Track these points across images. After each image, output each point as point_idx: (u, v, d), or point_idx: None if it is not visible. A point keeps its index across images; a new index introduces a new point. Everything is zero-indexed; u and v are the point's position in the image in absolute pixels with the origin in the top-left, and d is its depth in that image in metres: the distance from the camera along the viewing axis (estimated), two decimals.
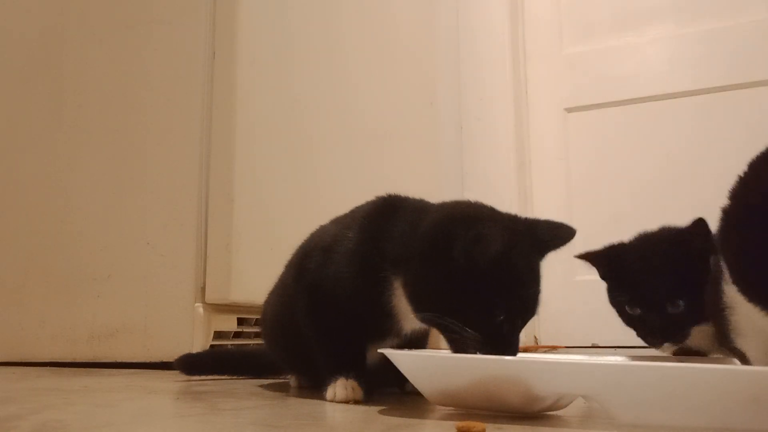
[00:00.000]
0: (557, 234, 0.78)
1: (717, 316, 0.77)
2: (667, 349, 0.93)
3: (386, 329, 0.82)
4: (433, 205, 0.86)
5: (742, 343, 0.75)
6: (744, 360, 0.76)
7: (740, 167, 0.74)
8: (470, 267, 0.72)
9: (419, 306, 0.77)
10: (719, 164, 1.89)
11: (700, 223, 0.89)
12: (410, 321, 0.81)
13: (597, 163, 2.13)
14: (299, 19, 1.59)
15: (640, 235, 0.97)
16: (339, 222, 0.91)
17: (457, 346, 0.74)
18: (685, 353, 0.94)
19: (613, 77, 2.13)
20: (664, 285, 0.89)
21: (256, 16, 1.45)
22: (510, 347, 0.74)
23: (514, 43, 2.27)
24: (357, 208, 0.91)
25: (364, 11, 1.85)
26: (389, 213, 0.84)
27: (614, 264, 0.94)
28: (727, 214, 0.73)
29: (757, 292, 0.69)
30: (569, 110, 2.19)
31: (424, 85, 2.11)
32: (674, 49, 2.07)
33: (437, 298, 0.75)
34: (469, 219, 0.76)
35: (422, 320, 0.78)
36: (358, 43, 1.80)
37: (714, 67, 2.00)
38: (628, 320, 0.93)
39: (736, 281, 0.71)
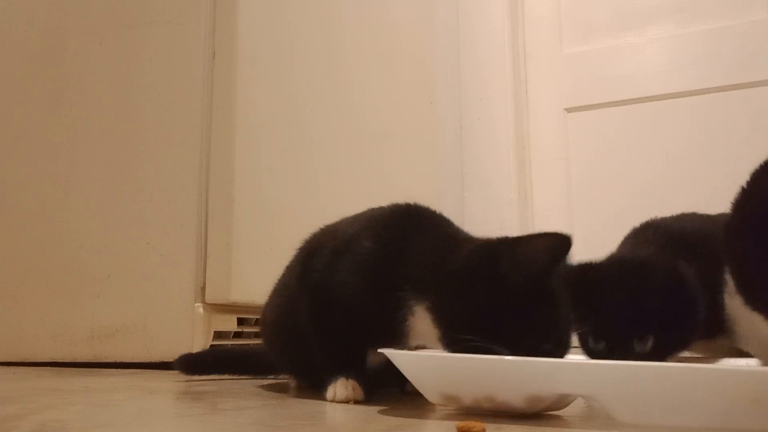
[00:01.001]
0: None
1: (721, 329, 0.76)
2: None
3: (392, 340, 0.79)
4: (457, 229, 0.83)
5: (755, 352, 0.75)
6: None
7: (740, 167, 0.73)
8: (517, 286, 0.70)
9: (453, 330, 0.72)
10: (719, 164, 1.90)
11: (664, 267, 0.80)
12: (422, 339, 0.78)
13: (597, 163, 2.13)
14: (299, 19, 1.59)
15: (612, 258, 0.88)
16: (353, 225, 0.87)
17: None
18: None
19: (613, 77, 2.13)
20: (631, 318, 0.80)
21: (256, 16, 1.45)
22: None
23: (514, 43, 2.27)
24: (373, 212, 0.87)
25: (364, 11, 1.85)
26: (411, 228, 0.81)
27: (581, 287, 0.84)
28: (732, 223, 0.72)
29: (762, 301, 0.69)
30: (569, 110, 2.19)
31: (424, 85, 2.11)
32: (674, 49, 2.07)
33: (479, 324, 0.71)
34: (511, 241, 0.74)
35: (449, 344, 0.73)
36: (358, 43, 1.80)
37: (714, 67, 2.00)
38: (590, 354, 0.83)
39: (741, 290, 0.70)
